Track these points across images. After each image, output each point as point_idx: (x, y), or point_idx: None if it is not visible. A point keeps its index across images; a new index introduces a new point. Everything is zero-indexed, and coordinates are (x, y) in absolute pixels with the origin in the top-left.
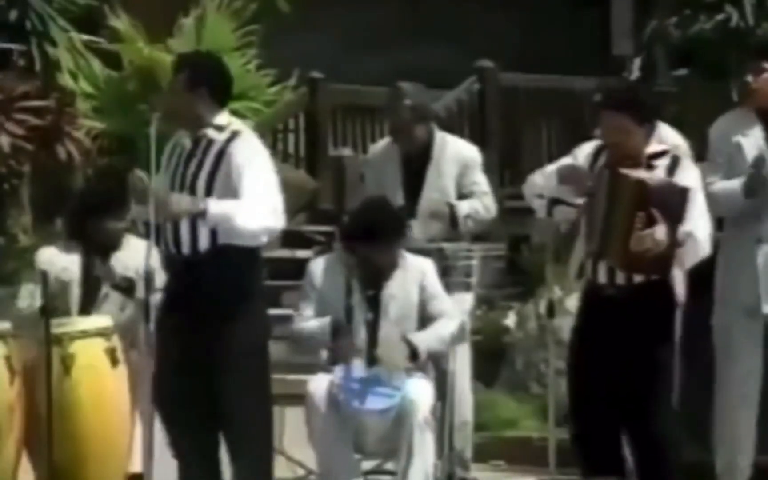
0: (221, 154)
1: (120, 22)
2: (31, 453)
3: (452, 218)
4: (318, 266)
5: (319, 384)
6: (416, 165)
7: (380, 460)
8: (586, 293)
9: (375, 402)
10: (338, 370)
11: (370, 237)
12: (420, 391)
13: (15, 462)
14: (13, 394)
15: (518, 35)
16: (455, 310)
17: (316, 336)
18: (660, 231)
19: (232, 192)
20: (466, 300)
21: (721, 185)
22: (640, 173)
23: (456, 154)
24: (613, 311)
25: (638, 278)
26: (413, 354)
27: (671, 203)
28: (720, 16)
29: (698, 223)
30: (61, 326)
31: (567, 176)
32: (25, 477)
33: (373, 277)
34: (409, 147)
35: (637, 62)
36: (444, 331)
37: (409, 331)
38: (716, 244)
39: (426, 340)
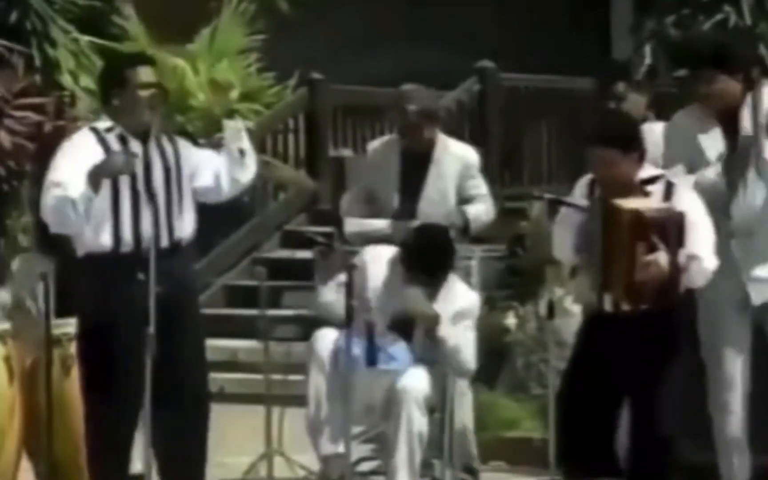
0: (175, 144)
1: (124, 21)
2: (30, 453)
3: (465, 227)
4: (373, 251)
5: (326, 337)
6: (416, 165)
7: (380, 461)
8: (589, 320)
9: (372, 362)
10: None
11: (425, 268)
12: (415, 381)
13: (15, 462)
14: (12, 395)
15: (518, 35)
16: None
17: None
18: (662, 258)
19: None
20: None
21: (694, 178)
22: (634, 202)
23: (457, 157)
24: (616, 339)
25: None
26: (429, 332)
27: (670, 230)
28: (718, 16)
29: (700, 245)
30: (60, 327)
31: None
32: (25, 477)
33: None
34: (416, 149)
35: (645, 63)
36: (464, 352)
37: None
38: None
39: (448, 335)
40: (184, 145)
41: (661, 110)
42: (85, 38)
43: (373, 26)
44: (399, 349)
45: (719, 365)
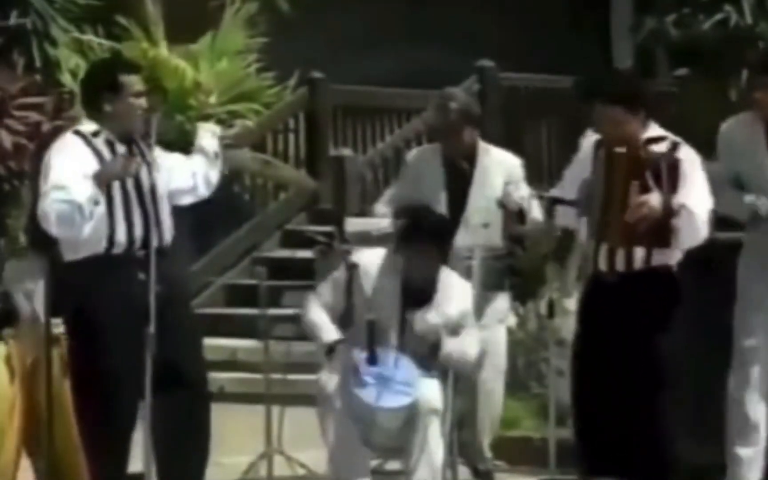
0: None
1: (132, 22)
2: (30, 453)
3: (521, 213)
4: (363, 257)
5: (331, 377)
6: (460, 173)
7: (381, 461)
8: (588, 283)
9: (389, 400)
10: (350, 368)
11: (414, 244)
12: (431, 391)
13: (15, 462)
14: (13, 394)
15: (518, 35)
16: (476, 339)
17: (313, 333)
18: (654, 198)
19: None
20: (502, 302)
21: (745, 198)
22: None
23: (501, 164)
24: (614, 299)
25: (638, 265)
26: (434, 351)
27: (663, 170)
28: (719, 16)
29: (694, 198)
30: (59, 326)
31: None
32: (25, 476)
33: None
34: (456, 151)
35: (628, 63)
36: (470, 350)
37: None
38: (737, 246)
39: (453, 347)
40: (156, 151)
41: (663, 110)
42: (87, 38)
43: (373, 26)
44: (407, 371)
45: (749, 365)
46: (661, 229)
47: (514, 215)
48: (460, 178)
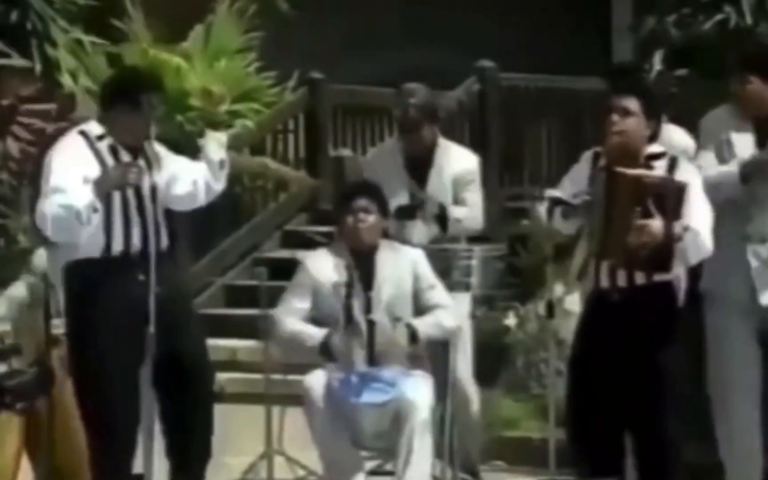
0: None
1: (127, 21)
2: (30, 453)
3: (441, 218)
4: (315, 261)
5: (316, 379)
6: (419, 169)
7: (381, 461)
8: (589, 299)
9: (371, 396)
10: (335, 365)
11: (346, 200)
12: (419, 390)
13: (15, 462)
14: None
15: (518, 35)
16: (451, 302)
17: (298, 343)
18: (656, 224)
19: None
20: (464, 301)
21: (715, 170)
22: (637, 171)
23: (456, 162)
24: (616, 315)
25: (640, 280)
26: (413, 337)
27: (668, 198)
28: (719, 16)
29: (697, 218)
30: (60, 327)
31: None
32: (25, 477)
33: (362, 257)
34: (416, 147)
35: (658, 56)
36: (443, 320)
37: (402, 316)
38: None
39: (425, 324)
40: (162, 153)
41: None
42: (87, 39)
43: (373, 26)
44: (391, 370)
45: (726, 367)
46: (662, 255)
47: (438, 227)
48: (418, 176)
